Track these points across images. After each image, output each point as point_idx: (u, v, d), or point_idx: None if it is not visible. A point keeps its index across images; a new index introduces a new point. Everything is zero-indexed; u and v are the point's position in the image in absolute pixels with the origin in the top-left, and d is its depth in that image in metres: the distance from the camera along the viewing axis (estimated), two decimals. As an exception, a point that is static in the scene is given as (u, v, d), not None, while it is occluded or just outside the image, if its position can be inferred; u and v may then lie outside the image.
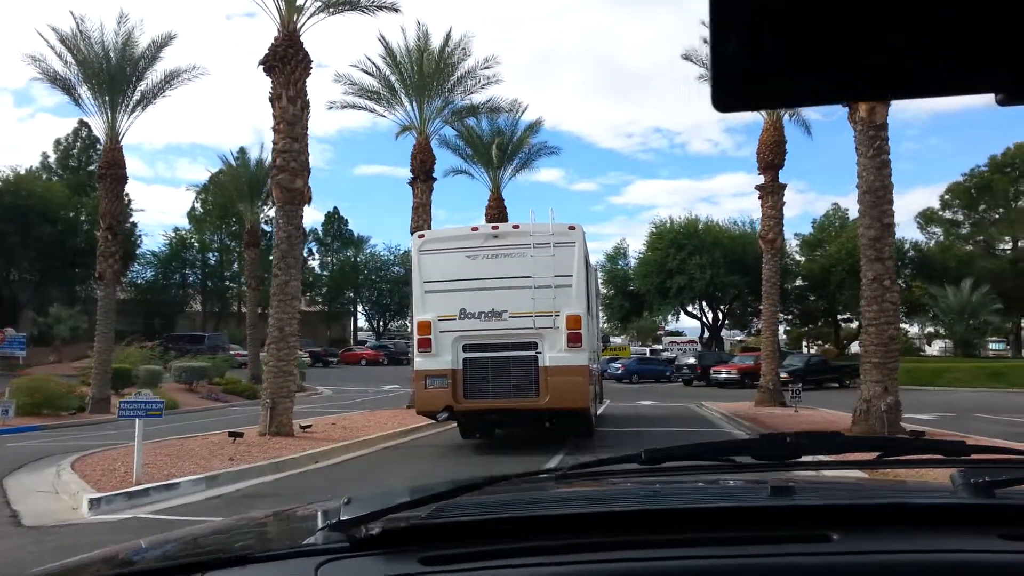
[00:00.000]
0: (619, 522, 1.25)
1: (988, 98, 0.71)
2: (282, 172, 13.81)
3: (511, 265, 11.66)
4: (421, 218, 23.09)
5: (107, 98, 23.80)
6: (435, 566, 1.09)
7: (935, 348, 72.28)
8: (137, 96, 24.23)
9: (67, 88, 23.75)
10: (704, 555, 1.14)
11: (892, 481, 2.36)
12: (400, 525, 1.20)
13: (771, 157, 23.52)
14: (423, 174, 23.23)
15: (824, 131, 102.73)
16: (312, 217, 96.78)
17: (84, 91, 23.85)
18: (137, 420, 9.18)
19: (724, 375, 37.44)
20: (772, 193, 23.74)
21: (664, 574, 1.05)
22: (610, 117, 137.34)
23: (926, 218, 55.38)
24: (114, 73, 23.61)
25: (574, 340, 11.56)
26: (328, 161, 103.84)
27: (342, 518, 1.21)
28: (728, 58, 0.70)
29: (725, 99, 0.72)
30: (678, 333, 67.92)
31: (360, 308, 78.61)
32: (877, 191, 12.95)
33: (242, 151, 34.68)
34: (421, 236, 12.62)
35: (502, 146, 32.72)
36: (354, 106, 23.69)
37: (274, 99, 14.01)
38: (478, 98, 24.70)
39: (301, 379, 36.49)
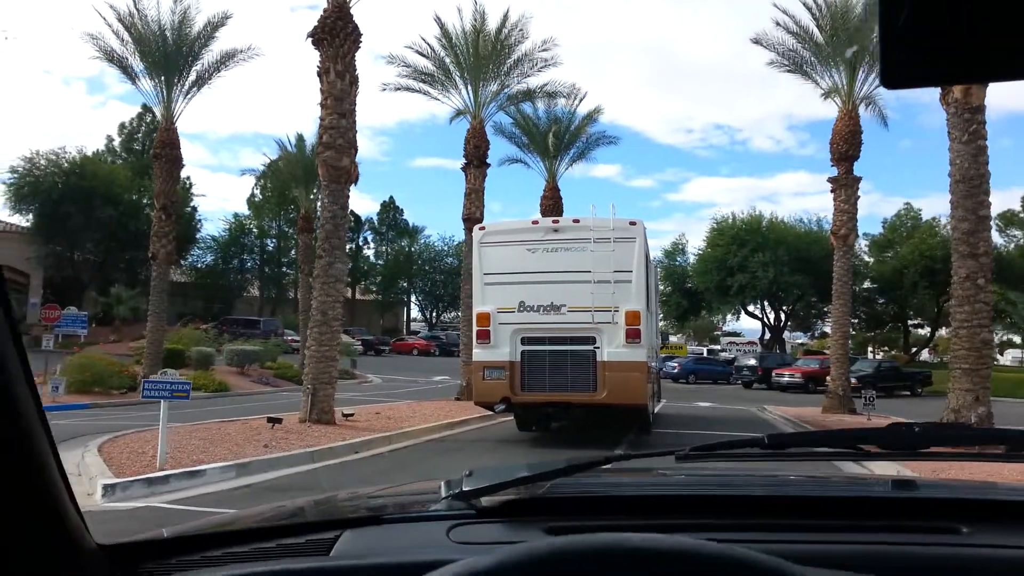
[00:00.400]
0: (740, 506, 1.25)
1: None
2: (328, 149, 13.24)
3: (571, 259, 11.68)
4: (474, 204, 22.44)
5: (163, 77, 23.78)
6: (561, 536, 1.04)
7: (1007, 358, 68.76)
8: (193, 76, 24.16)
9: (124, 67, 23.81)
10: (827, 541, 1.14)
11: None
12: (525, 496, 1.26)
13: (845, 148, 22.11)
14: (477, 159, 22.55)
15: (893, 128, 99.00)
16: (368, 207, 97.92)
17: (141, 70, 23.88)
18: (162, 401, 8.67)
19: (787, 378, 35.92)
20: (846, 186, 22.30)
21: (788, 558, 0.95)
22: (669, 112, 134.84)
23: (1005, 220, 52.21)
24: (169, 52, 23.55)
25: (633, 336, 11.54)
26: (386, 152, 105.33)
27: (464, 488, 1.27)
28: (898, 34, 0.69)
29: (895, 75, 0.72)
30: (735, 334, 66.27)
31: (414, 298, 78.95)
32: (972, 180, 11.74)
33: (300, 137, 34.59)
34: (482, 228, 12.66)
35: (559, 135, 32.01)
36: (408, 88, 23.16)
37: (322, 73, 13.45)
38: (535, 82, 23.90)
39: (352, 366, 36.36)
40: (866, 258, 52.20)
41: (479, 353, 12.19)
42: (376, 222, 77.23)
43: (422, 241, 75.96)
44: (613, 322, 11.50)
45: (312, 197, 35.52)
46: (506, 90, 23.77)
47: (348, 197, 13.71)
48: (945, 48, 0.69)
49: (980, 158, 11.76)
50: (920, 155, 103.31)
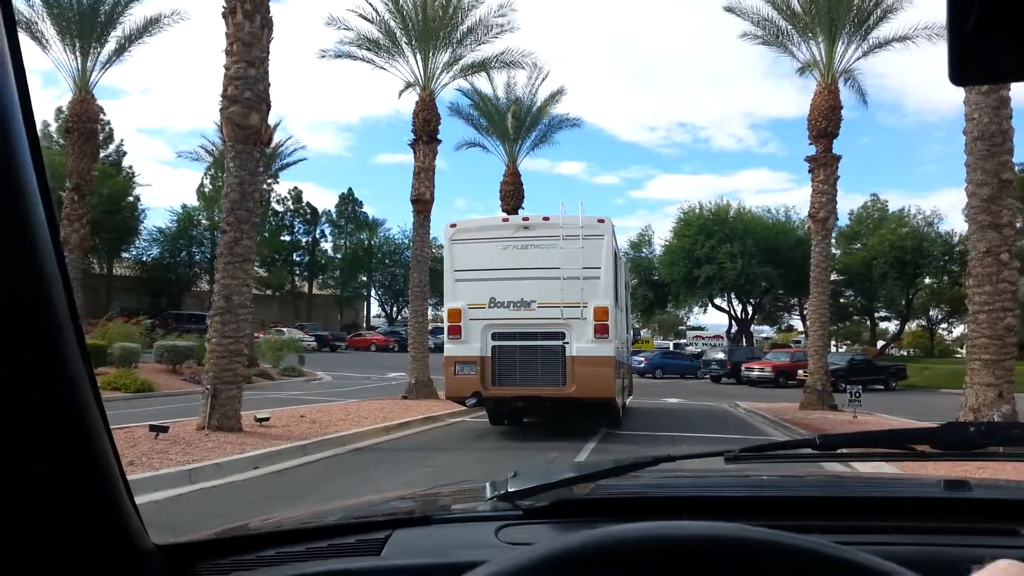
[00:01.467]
0: (795, 507, 1.22)
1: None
2: (233, 104, 11.05)
3: (540, 256, 11.79)
4: (423, 184, 20.35)
5: (77, 44, 21.31)
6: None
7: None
8: (112, 44, 21.79)
9: (33, 34, 21.27)
10: (883, 542, 1.11)
11: None
12: (571, 498, 1.24)
13: (824, 124, 20.44)
14: (426, 135, 20.44)
15: (851, 126, 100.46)
16: (326, 200, 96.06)
17: (53, 36, 21.41)
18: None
19: (757, 373, 34.49)
20: (825, 165, 20.62)
21: None
22: (633, 110, 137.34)
23: (975, 210, 51.56)
24: (84, 15, 21.12)
25: (601, 331, 11.66)
26: (350, 148, 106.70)
27: (510, 490, 1.28)
28: (967, 29, 0.69)
29: (962, 72, 0.72)
30: (699, 328, 65.53)
31: (374, 293, 76.77)
32: (992, 136, 10.02)
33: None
34: (453, 226, 12.58)
35: (519, 116, 30.42)
36: (350, 56, 20.94)
37: (227, 14, 11.25)
38: (490, 50, 21.75)
39: (300, 363, 34.20)
40: (833, 250, 51.03)
41: (451, 348, 12.26)
42: (334, 215, 74.88)
43: (382, 234, 73.71)
44: (582, 318, 11.61)
45: (255, 182, 33.17)
46: (460, 61, 21.66)
47: (258, 161, 11.54)
48: (1013, 46, 0.69)
49: (1002, 111, 10.03)
50: (879, 153, 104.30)
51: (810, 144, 21.02)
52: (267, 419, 11.96)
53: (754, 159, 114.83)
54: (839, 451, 1.34)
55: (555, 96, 30.45)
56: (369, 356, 48.47)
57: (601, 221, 12.06)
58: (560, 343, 11.76)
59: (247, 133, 11.14)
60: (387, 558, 1.13)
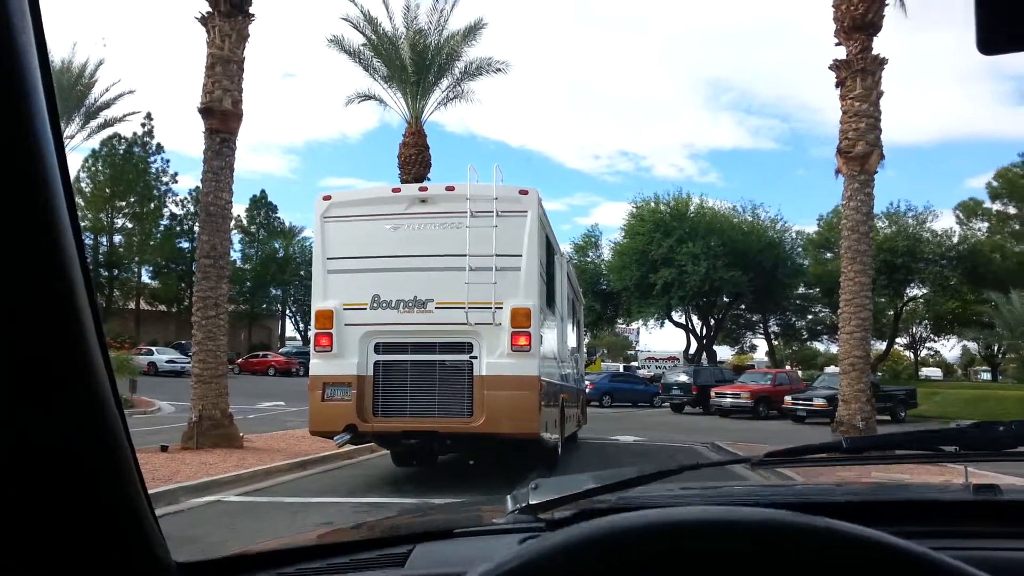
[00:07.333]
0: (817, 514, 1.16)
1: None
2: None
3: (442, 239, 9.15)
4: (219, 84, 12.29)
5: None
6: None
7: (927, 372, 63.59)
8: None
9: None
10: None
11: None
12: (593, 508, 1.24)
13: (862, 10, 13.16)
14: (228, 2, 12.43)
15: (786, 160, 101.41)
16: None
17: None
18: None
19: (730, 400, 27.11)
20: (862, 72, 13.26)
21: None
22: (578, 138, 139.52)
23: (968, 210, 45.06)
24: None
25: (520, 341, 8.91)
26: (293, 170, 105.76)
27: (531, 502, 1.26)
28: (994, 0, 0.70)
29: (990, 40, 0.71)
30: (647, 352, 59.13)
31: (288, 309, 68.24)
32: None
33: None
34: (327, 198, 9.54)
35: (420, 50, 23.02)
36: None
37: None
38: None
39: (131, 391, 26.13)
40: (800, 261, 44.05)
41: (318, 365, 9.32)
42: (244, 220, 66.22)
43: (297, 242, 65.43)
44: (495, 323, 8.89)
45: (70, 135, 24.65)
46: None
47: None
48: None
49: None
50: (811, 185, 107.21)
51: (837, 44, 13.69)
52: None
53: (695, 188, 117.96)
54: (867, 454, 1.36)
55: (472, 31, 23.14)
56: (261, 381, 39.92)
57: (524, 192, 9.27)
58: (466, 358, 9.09)
59: None
60: (410, 569, 1.14)
